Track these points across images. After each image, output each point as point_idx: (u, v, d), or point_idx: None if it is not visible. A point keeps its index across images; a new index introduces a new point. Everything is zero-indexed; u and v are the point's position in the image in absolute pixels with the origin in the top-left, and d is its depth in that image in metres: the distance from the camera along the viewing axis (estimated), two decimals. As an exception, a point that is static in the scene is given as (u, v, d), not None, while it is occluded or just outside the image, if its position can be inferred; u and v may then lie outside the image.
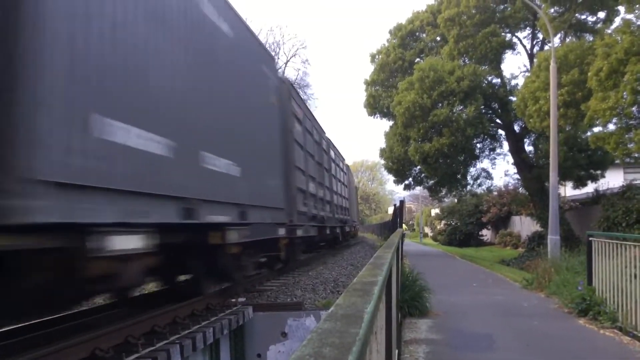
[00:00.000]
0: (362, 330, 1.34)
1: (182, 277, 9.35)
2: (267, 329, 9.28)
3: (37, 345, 5.64)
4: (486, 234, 41.91)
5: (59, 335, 6.15)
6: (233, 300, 10.05)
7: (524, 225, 32.91)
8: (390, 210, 56.45)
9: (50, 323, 7.26)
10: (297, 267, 16.25)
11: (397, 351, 5.89)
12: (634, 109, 14.80)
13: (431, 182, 29.14)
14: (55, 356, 5.38)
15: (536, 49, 25.78)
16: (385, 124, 31.45)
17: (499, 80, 26.84)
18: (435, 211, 61.21)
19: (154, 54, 5.86)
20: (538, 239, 24.54)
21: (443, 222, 48.92)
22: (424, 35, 30.57)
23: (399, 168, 28.39)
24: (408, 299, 9.83)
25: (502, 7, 24.69)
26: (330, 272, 15.70)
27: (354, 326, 1.39)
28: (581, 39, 21.07)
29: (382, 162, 31.49)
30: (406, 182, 30.10)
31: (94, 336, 6.07)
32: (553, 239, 14.89)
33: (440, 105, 24.21)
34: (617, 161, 22.02)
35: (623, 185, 20.82)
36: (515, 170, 27.96)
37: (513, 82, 27.13)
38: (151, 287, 12.99)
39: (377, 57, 31.44)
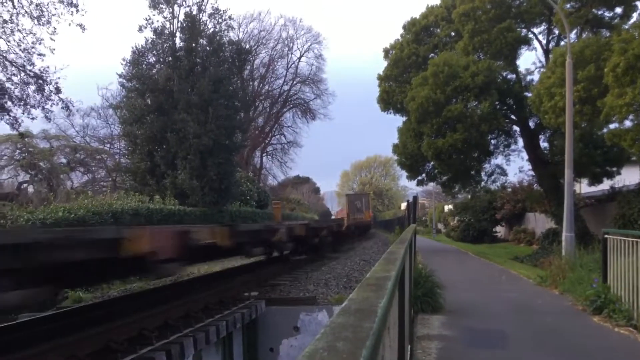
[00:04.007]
0: (376, 325, 1.35)
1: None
2: (280, 323, 9.32)
3: (52, 337, 5.71)
4: (500, 230, 41.66)
5: (74, 327, 6.21)
6: (246, 294, 10.11)
7: (538, 222, 32.69)
8: (404, 206, 56.26)
9: (65, 315, 7.34)
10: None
11: (409, 347, 5.89)
12: (651, 105, 14.62)
13: (444, 178, 28.98)
14: (71, 347, 5.45)
15: (552, 44, 25.52)
16: (399, 120, 31.28)
17: (514, 75, 26.61)
18: (448, 207, 60.94)
19: None
20: (552, 236, 24.37)
21: (456, 218, 48.71)
22: (438, 30, 30.38)
23: (412, 164, 28.29)
24: (421, 295, 9.81)
25: (517, 2, 24.44)
26: (343, 267, 15.73)
27: (367, 321, 1.39)
28: (598, 34, 20.81)
29: (396, 157, 31.35)
30: (419, 178, 29.95)
31: (108, 328, 6.14)
32: (568, 236, 14.78)
33: (454, 100, 24.07)
34: (634, 158, 21.74)
35: (639, 182, 20.60)
36: (530, 167, 27.76)
37: (528, 78, 26.89)
38: (165, 281, 13.11)
39: (390, 52, 31.30)
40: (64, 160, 34.84)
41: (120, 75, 25.89)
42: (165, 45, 26.10)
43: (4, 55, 18.12)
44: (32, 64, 18.59)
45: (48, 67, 18.87)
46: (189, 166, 23.80)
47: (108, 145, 41.75)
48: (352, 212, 47.95)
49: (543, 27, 25.80)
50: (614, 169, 22.58)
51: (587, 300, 9.94)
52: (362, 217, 47.17)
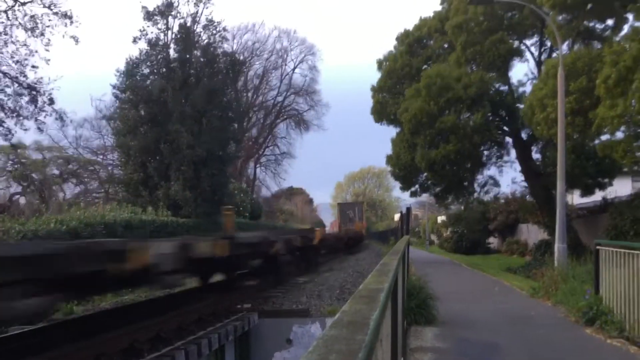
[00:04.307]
0: (368, 337, 1.34)
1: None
2: (273, 335, 9.27)
3: (43, 349, 5.66)
4: (493, 241, 41.71)
5: (65, 340, 6.16)
6: (239, 306, 10.05)
7: (531, 233, 32.74)
8: (397, 217, 56.17)
9: (56, 327, 7.28)
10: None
11: (402, 359, 5.87)
12: (642, 117, 14.71)
13: (438, 189, 29.02)
14: (62, 360, 5.39)
15: (544, 56, 25.69)
16: (392, 131, 31.35)
17: (506, 87, 26.74)
18: (441, 218, 60.98)
19: None
20: (545, 247, 24.41)
21: (449, 229, 48.74)
22: (432, 42, 30.53)
23: (406, 175, 28.32)
24: (414, 306, 9.79)
25: (509, 14, 24.62)
26: (336, 278, 15.68)
27: (359, 333, 1.39)
28: (589, 46, 20.98)
29: (389, 168, 31.41)
30: (412, 189, 29.97)
31: (99, 341, 6.09)
32: (560, 247, 14.81)
33: (447, 112, 24.15)
34: (626, 169, 21.88)
35: (631, 193, 20.69)
36: (523, 178, 27.84)
37: (521, 90, 26.98)
38: (158, 293, 13.02)
39: (384, 63, 31.41)
40: (56, 172, 34.70)
41: (114, 86, 25.90)
42: (159, 57, 26.14)
43: (-3, 66, 18.10)
44: (25, 76, 18.57)
45: (42, 78, 18.86)
46: (182, 177, 23.76)
47: (101, 157, 41.62)
48: (344, 222, 45.59)
49: (535, 39, 26.00)
50: (606, 180, 22.67)
51: (579, 311, 9.94)
52: (355, 227, 44.43)
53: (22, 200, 30.94)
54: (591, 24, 21.15)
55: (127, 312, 8.83)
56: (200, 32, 27.06)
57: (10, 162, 31.39)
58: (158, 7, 26.35)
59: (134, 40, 26.29)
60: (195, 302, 9.37)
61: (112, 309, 9.37)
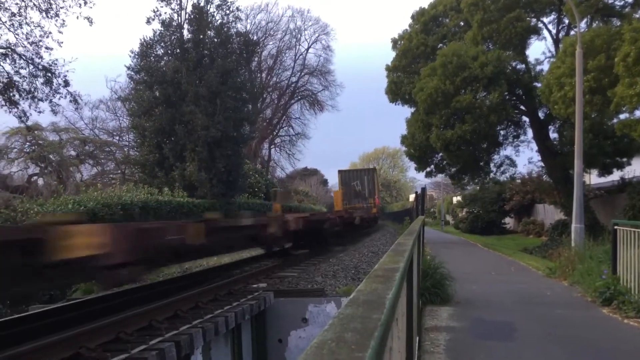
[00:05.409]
0: (384, 316, 1.34)
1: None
2: (288, 314, 9.34)
3: (63, 328, 5.76)
4: (509, 222, 41.55)
5: (84, 319, 6.26)
6: (255, 285, 10.14)
7: (547, 214, 32.56)
8: (412, 197, 56.03)
9: (75, 307, 7.40)
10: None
11: (417, 338, 5.90)
12: (662, 95, 14.47)
13: (453, 169, 28.88)
14: (81, 339, 5.49)
15: (562, 34, 25.28)
16: (407, 111, 31.13)
17: (523, 66, 26.40)
18: (457, 199, 60.77)
19: None
20: (562, 228, 24.27)
21: (465, 210, 48.57)
22: (447, 20, 30.19)
23: (421, 155, 28.20)
24: (429, 286, 9.80)
25: (527, -9, 24.25)
26: (351, 259, 15.73)
27: (375, 312, 1.39)
28: (608, 23, 20.60)
29: (404, 149, 31.27)
30: (428, 169, 29.86)
31: (118, 319, 6.18)
32: (577, 227, 14.71)
33: (463, 91, 23.93)
34: (644, 148, 21.59)
35: (650, 173, 20.46)
36: (540, 158, 27.60)
37: (538, 68, 26.64)
38: (173, 271, 13.18)
39: (399, 42, 31.14)
40: (73, 153, 35.01)
41: (128, 68, 25.94)
42: (173, 37, 26.10)
43: (13, 48, 18.18)
44: (41, 57, 18.65)
45: (57, 60, 18.93)
46: (197, 158, 23.85)
47: (117, 138, 41.87)
48: (347, 197, 34.67)
49: (553, 16, 25.58)
50: (624, 159, 22.43)
51: (596, 291, 9.89)
52: (365, 205, 34.59)
53: (40, 181, 31.33)
54: (610, 1, 20.76)
55: (144, 291, 8.96)
56: (214, 12, 26.94)
57: (27, 143, 31.74)
58: (171, -13, 26.28)
59: (148, 21, 26.27)
60: (211, 282, 9.47)
61: (130, 289, 9.48)
